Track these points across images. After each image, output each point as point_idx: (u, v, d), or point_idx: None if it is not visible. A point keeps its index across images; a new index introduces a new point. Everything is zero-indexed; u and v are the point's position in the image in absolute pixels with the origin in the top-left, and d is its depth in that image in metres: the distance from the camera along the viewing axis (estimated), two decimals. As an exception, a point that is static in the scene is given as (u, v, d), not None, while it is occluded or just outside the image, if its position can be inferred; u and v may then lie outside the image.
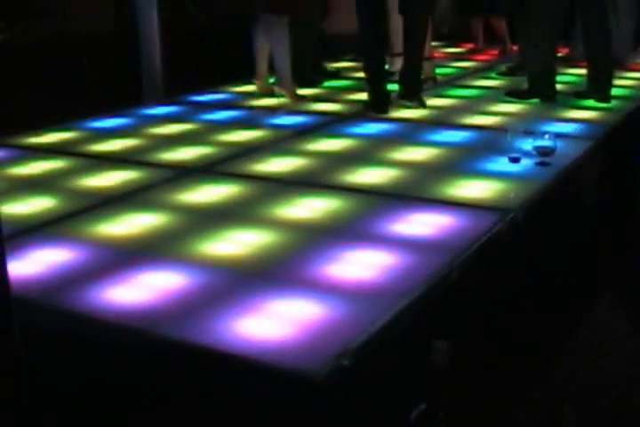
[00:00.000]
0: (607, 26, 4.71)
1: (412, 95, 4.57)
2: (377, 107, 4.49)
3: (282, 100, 4.84)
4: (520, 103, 4.63)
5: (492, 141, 3.72)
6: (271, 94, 4.94)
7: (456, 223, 2.65)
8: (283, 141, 3.83)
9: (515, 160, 3.34)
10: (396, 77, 4.78)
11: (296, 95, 4.88)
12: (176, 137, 3.94)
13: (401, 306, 2.03)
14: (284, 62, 4.80)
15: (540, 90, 4.68)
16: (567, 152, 3.47)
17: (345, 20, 6.28)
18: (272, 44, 4.83)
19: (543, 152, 3.30)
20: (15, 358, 1.46)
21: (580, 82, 5.37)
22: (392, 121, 4.26)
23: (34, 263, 2.33)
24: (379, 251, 2.41)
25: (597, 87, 4.77)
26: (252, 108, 4.69)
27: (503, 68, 5.82)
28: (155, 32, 5.09)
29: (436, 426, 1.82)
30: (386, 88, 4.58)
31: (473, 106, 4.63)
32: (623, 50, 5.97)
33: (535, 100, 4.66)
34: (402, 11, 4.52)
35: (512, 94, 4.79)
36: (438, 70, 5.59)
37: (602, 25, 4.68)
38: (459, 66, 6.20)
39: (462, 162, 3.42)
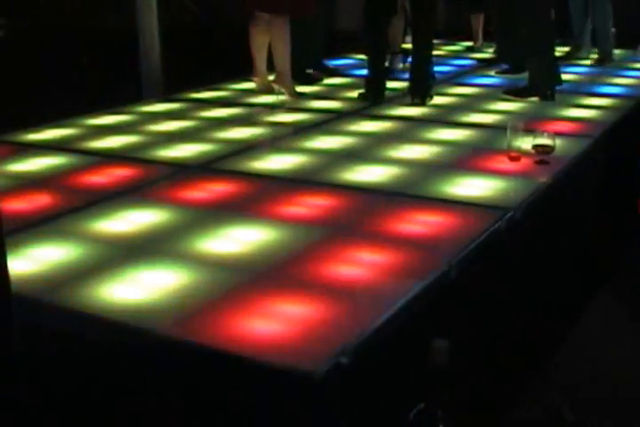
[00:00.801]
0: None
1: (419, 92, 4.60)
2: (372, 97, 4.58)
3: (281, 98, 4.83)
4: (519, 101, 4.63)
5: (491, 140, 3.72)
6: (270, 91, 4.93)
7: (455, 221, 2.65)
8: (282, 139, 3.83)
9: (514, 158, 3.33)
10: (395, 75, 4.80)
11: (295, 92, 4.87)
12: (175, 134, 3.94)
13: (400, 304, 2.03)
14: (284, 59, 4.79)
15: (539, 88, 4.68)
16: (566, 151, 3.47)
17: (348, 17, 6.27)
18: (272, 41, 4.82)
19: (542, 150, 3.30)
20: (13, 355, 1.46)
21: (579, 80, 5.37)
22: (391, 119, 4.26)
23: (32, 260, 2.33)
24: (377, 249, 2.40)
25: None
26: (251, 105, 4.69)
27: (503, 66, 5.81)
28: (154, 29, 5.09)
29: (434, 425, 1.82)
30: (384, 82, 4.65)
31: (472, 104, 4.64)
32: (604, 49, 6.01)
33: (534, 99, 4.66)
34: (411, 10, 4.56)
35: (511, 92, 4.78)
36: (437, 68, 5.58)
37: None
38: (458, 64, 6.20)
39: (461, 160, 3.41)
